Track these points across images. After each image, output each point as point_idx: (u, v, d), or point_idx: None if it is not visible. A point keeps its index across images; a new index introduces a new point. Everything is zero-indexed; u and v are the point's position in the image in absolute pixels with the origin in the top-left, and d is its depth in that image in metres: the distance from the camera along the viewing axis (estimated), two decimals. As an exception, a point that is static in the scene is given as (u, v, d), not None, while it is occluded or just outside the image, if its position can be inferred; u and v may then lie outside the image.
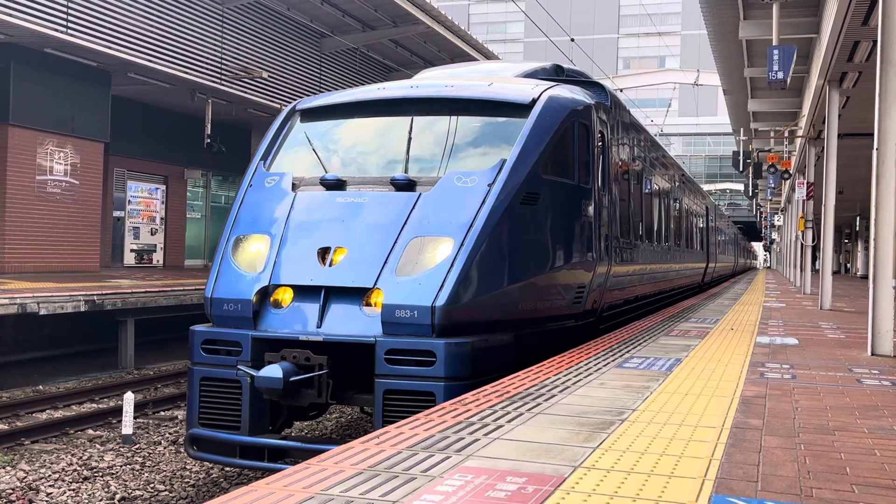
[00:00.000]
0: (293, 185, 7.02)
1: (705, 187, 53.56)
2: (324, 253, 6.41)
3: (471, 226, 6.31)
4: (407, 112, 7.50)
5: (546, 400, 4.66)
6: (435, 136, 7.41)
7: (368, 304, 6.19)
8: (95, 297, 12.22)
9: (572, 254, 7.70)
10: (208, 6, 18.80)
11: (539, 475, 3.08)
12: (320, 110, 7.99)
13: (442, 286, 6.01)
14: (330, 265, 6.32)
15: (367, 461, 3.24)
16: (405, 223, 6.40)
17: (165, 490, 7.38)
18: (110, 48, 16.26)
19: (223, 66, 19.34)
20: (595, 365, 6.17)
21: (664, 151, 16.11)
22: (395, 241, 6.31)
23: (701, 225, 23.77)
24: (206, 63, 18.84)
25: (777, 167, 23.04)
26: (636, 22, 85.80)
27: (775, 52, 12.10)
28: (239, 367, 6.14)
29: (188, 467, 8.08)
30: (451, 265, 6.12)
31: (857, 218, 47.21)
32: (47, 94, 16.89)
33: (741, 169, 26.13)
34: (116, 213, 22.41)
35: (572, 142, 7.83)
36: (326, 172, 7.11)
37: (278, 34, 21.23)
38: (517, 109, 7.36)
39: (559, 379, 5.44)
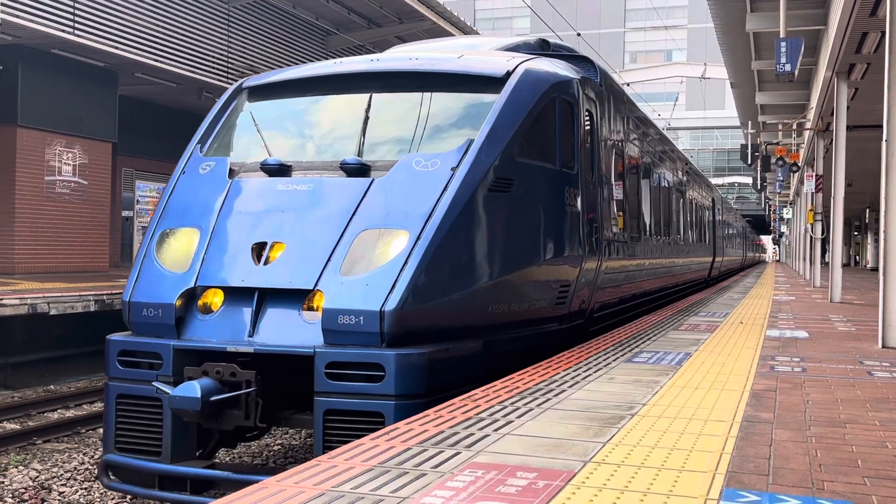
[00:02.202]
0: (231, 171, 6.20)
1: (713, 181, 53.33)
2: (259, 249, 5.60)
3: (430, 216, 5.50)
4: (366, 88, 6.67)
5: (556, 395, 4.66)
6: (396, 115, 6.63)
7: (311, 309, 5.38)
8: (105, 297, 12.27)
9: (553, 248, 6.91)
10: (214, 5, 18.82)
11: (549, 470, 3.08)
12: (270, 88, 7.12)
13: (393, 287, 5.21)
14: (265, 263, 5.50)
15: (377, 457, 3.24)
16: (354, 213, 5.61)
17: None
18: (117, 48, 16.31)
19: (230, 65, 19.37)
20: (604, 360, 6.16)
21: (665, 138, 15.18)
22: (342, 235, 5.51)
23: (707, 218, 22.87)
24: (213, 62, 18.87)
25: (785, 160, 22.96)
26: (642, 16, 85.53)
27: (783, 44, 12.04)
28: (154, 383, 5.31)
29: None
30: (406, 262, 5.30)
31: (867, 210, 46.98)
32: (55, 95, 16.94)
33: (749, 162, 26.06)
34: (125, 213, 22.49)
35: (553, 120, 6.98)
36: (270, 156, 6.28)
37: (284, 32, 21.24)
38: (489, 84, 6.52)
39: (568, 374, 5.44)
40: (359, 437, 4.28)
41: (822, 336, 8.40)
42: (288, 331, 5.36)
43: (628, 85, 34.38)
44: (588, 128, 7.88)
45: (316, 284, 5.33)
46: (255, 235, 5.66)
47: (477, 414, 4.11)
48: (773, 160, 25.40)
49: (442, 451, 3.35)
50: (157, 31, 17.23)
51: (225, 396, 5.07)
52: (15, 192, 16.25)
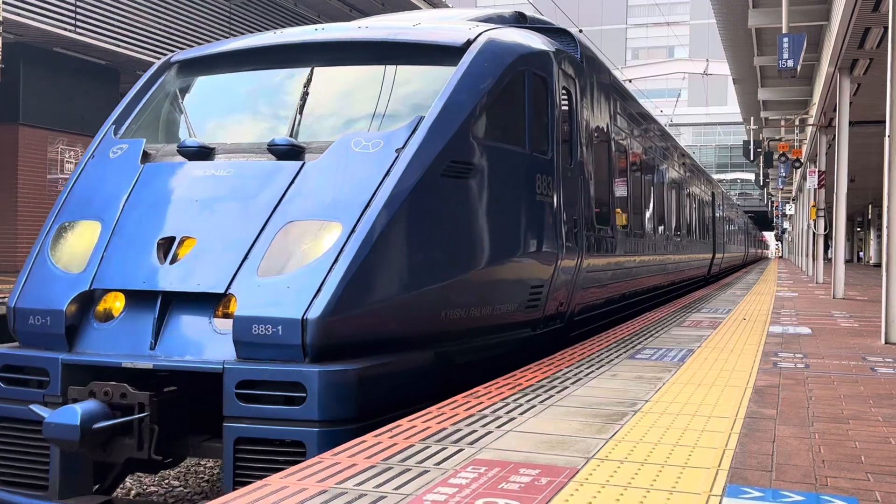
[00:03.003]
0: (145, 154, 5.37)
1: (716, 177, 53.30)
2: (167, 245, 4.78)
3: (368, 205, 4.70)
4: (308, 61, 5.92)
5: (558, 392, 4.66)
6: (340, 90, 5.90)
7: (226, 315, 4.58)
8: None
9: (522, 243, 6.14)
10: (216, 2, 18.84)
11: (552, 467, 3.08)
12: (201, 62, 6.31)
13: (319, 290, 4.39)
14: (172, 262, 4.68)
15: (380, 454, 3.25)
16: (279, 202, 4.80)
17: (180, 486, 7.42)
18: (119, 46, 16.34)
19: (231, 63, 19.37)
20: (607, 356, 6.16)
21: (660, 126, 14.17)
22: (263, 228, 4.69)
23: (706, 212, 22.15)
24: (215, 60, 18.87)
25: (788, 156, 22.95)
26: (644, 12, 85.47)
27: (785, 39, 12.03)
28: (31, 406, 4.45)
29: (202, 462, 8.12)
30: (336, 260, 4.49)
31: (870, 206, 46.95)
32: (57, 93, 16.96)
33: (752, 158, 26.07)
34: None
35: (522, 97, 6.18)
36: (191, 137, 5.50)
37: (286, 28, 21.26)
38: (446, 54, 5.73)
39: (571, 371, 5.44)
40: (276, 470, 3.67)
41: (825, 332, 8.39)
42: (195, 343, 4.54)
43: (630, 81, 34.36)
44: (566, 108, 7.08)
45: (228, 287, 4.52)
46: (163, 229, 4.84)
47: (479, 411, 4.11)
48: (775, 156, 25.41)
49: (445, 448, 3.35)
50: (159, 29, 17.25)
51: (111, 423, 4.18)
52: (17, 190, 16.28)
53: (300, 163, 5.03)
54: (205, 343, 4.54)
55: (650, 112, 13.14)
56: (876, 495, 2.81)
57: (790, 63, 11.99)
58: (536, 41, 6.67)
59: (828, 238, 24.05)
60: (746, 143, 26.18)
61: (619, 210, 9.62)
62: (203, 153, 5.27)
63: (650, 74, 53.32)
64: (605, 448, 3.38)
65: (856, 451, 3.44)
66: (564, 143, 6.99)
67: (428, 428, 3.72)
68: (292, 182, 4.91)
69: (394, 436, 3.57)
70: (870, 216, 48.69)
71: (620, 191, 9.83)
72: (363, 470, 3.03)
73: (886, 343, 7.43)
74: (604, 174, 8.75)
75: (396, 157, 4.95)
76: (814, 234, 20.68)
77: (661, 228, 13.52)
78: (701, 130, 78.64)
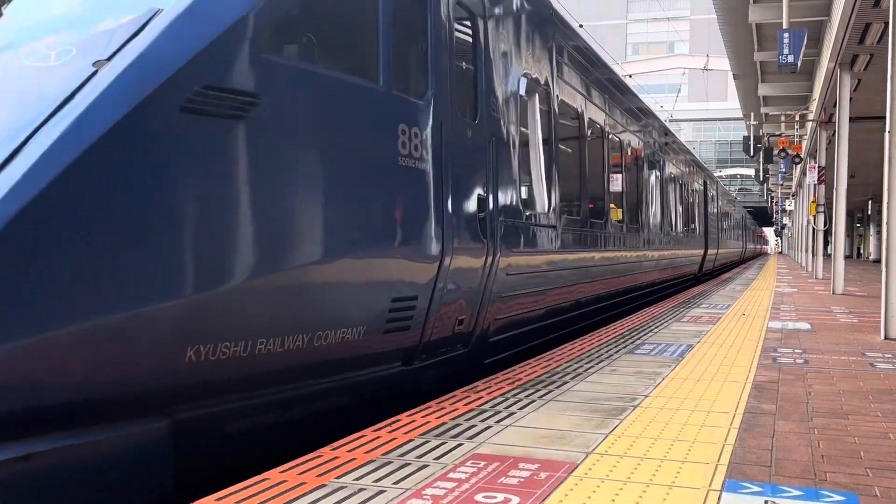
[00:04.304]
0: None
1: (716, 173, 53.22)
2: None
3: (15, 154, 2.85)
4: None
5: (558, 387, 4.66)
6: None
7: None
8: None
9: (363, 232, 4.12)
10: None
11: (552, 461, 3.08)
12: None
13: None
14: None
15: (379, 449, 3.25)
16: None
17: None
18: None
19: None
20: (606, 352, 6.16)
21: (632, 93, 12.15)
22: None
23: (697, 203, 20.26)
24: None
25: (788, 152, 22.93)
26: (645, 7, 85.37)
27: (785, 35, 12.03)
28: None
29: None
30: None
31: (870, 202, 46.93)
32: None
33: (752, 154, 26.07)
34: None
35: (372, 3, 4.32)
36: None
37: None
38: None
39: (570, 366, 5.44)
40: None
41: (824, 328, 8.39)
42: None
43: (630, 77, 34.33)
44: (465, 37, 5.39)
45: None
46: None
47: (479, 406, 4.11)
48: (775, 152, 25.40)
49: (444, 443, 3.35)
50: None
51: None
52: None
53: None
54: None
55: (619, 76, 11.07)
56: (875, 491, 2.81)
57: (790, 58, 11.98)
58: None
59: (827, 234, 24.04)
60: (746, 138, 26.16)
61: (566, 192, 7.79)
62: None
63: (650, 70, 53.29)
64: (604, 443, 3.38)
65: (855, 446, 3.44)
66: (460, 87, 5.21)
67: (427, 423, 3.72)
68: None
69: (393, 430, 3.57)
70: (869, 212, 48.67)
71: (568, 167, 8.00)
72: (362, 464, 3.03)
73: (886, 339, 7.43)
74: (541, 142, 7.02)
75: (91, 76, 3.09)
76: (813, 229, 20.69)
77: (632, 218, 11.49)
78: (701, 126, 78.59)
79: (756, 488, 2.79)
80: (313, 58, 4.07)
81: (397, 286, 4.47)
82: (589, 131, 9.02)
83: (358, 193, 4.09)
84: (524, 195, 6.48)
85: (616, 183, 10.56)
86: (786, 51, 12.02)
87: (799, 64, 12.16)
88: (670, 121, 39.40)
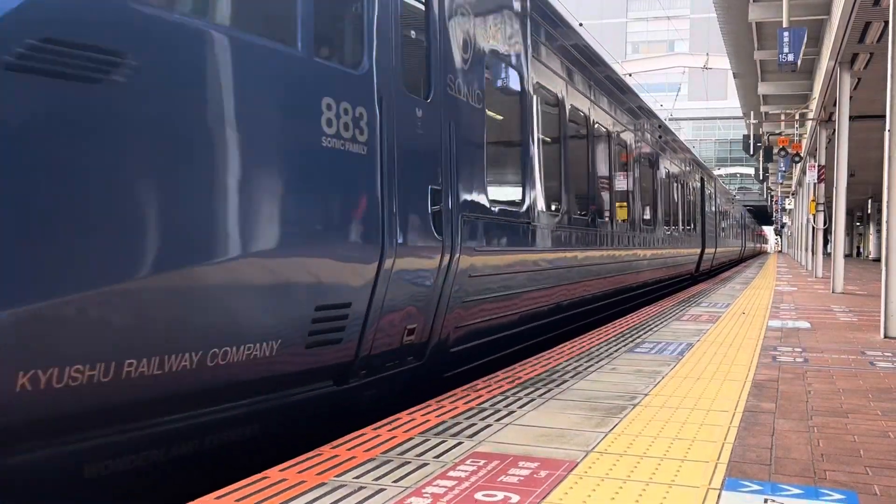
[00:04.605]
0: None
1: (716, 172, 53.14)
2: None
3: None
4: None
5: (557, 385, 4.66)
6: None
7: None
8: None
9: (283, 225, 3.51)
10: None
11: (551, 460, 3.08)
12: None
13: None
14: None
15: (379, 447, 3.25)
16: None
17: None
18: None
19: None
20: (606, 350, 6.16)
21: (621, 81, 11.32)
22: None
23: (693, 200, 19.63)
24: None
25: (788, 150, 22.93)
26: (645, 6, 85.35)
27: (785, 34, 12.02)
28: None
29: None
30: None
31: (870, 201, 46.95)
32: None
33: (752, 152, 26.06)
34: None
35: None
36: None
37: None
38: None
39: (570, 364, 5.44)
40: None
41: (824, 326, 8.39)
42: None
43: (630, 75, 34.32)
44: (422, 4, 4.88)
45: None
46: None
47: (479, 404, 4.11)
48: (775, 150, 25.41)
49: (444, 441, 3.35)
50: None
51: None
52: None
53: None
54: None
55: (605, 60, 10.24)
56: (875, 489, 2.81)
57: (790, 57, 11.98)
58: None
59: (827, 233, 24.06)
60: (746, 137, 26.15)
61: (544, 185, 7.11)
62: None
63: (650, 69, 53.26)
64: (604, 441, 3.38)
65: (854, 444, 3.44)
66: (410, 59, 4.66)
67: (427, 421, 3.72)
68: None
69: (393, 429, 3.57)
70: (869, 211, 48.69)
71: (547, 157, 7.31)
72: (362, 463, 3.03)
73: (885, 337, 7.43)
74: (515, 129, 6.47)
75: None
76: (813, 228, 20.69)
77: (621, 215, 10.73)
78: (701, 125, 78.58)
79: (756, 487, 2.79)
80: (206, 13, 3.39)
81: (322, 291, 3.78)
82: (570, 119, 8.32)
83: (262, 178, 3.38)
84: (493, 188, 5.79)
85: (602, 176, 9.82)
86: (786, 49, 12.02)
87: (799, 62, 12.16)
88: (670, 119, 39.37)
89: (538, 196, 6.93)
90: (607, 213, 10.07)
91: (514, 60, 6.46)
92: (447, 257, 4.93)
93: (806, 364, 5.71)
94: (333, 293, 3.87)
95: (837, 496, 2.71)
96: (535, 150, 6.86)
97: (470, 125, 5.37)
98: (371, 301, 4.16)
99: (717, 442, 3.41)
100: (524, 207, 6.53)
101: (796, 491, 2.76)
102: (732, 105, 51.54)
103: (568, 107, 8.15)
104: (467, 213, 5.26)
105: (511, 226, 6.18)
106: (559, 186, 7.77)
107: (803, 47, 12.13)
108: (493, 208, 5.75)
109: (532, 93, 6.87)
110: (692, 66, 48.90)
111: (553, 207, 7.50)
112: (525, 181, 6.61)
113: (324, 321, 3.82)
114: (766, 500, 2.65)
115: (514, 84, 6.53)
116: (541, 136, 7.11)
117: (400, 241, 4.35)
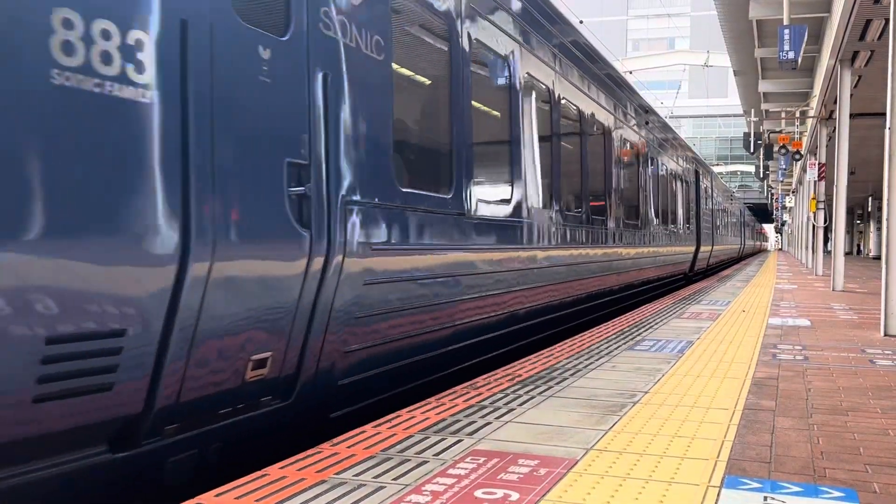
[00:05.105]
0: None
1: (716, 169, 53.07)
2: None
3: None
4: None
5: (557, 383, 4.66)
6: None
7: None
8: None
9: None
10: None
11: (551, 458, 3.08)
12: None
13: None
14: None
15: (379, 445, 3.25)
16: None
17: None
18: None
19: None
20: (606, 348, 6.17)
21: (599, 56, 9.85)
22: None
23: (688, 194, 18.70)
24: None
25: (788, 148, 22.91)
26: (645, 3, 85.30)
27: (786, 31, 12.01)
28: None
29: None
30: None
31: (870, 198, 46.95)
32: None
33: (752, 150, 26.04)
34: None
35: None
36: None
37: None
38: None
39: (570, 362, 5.44)
40: None
41: (824, 324, 8.39)
42: None
43: (631, 73, 34.28)
44: None
45: None
46: None
47: (479, 402, 4.11)
48: (775, 148, 25.39)
49: (444, 439, 3.35)
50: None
51: None
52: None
53: None
54: None
55: (574, 26, 8.81)
56: (874, 487, 2.81)
57: (791, 55, 11.97)
58: None
59: (827, 230, 24.05)
60: (747, 135, 26.15)
61: (489, 168, 6.07)
62: None
63: (650, 66, 53.25)
64: (603, 439, 3.38)
65: (854, 442, 3.44)
66: None
67: (427, 419, 3.73)
68: None
69: (393, 426, 3.57)
70: (870, 209, 48.68)
71: (492, 134, 6.20)
72: (362, 460, 3.03)
73: (885, 335, 7.44)
74: (439, 92, 5.27)
75: None
76: (813, 226, 20.68)
77: (597, 209, 9.57)
78: (701, 122, 78.57)
79: (755, 484, 2.79)
80: None
81: (57, 316, 2.52)
82: (525, 86, 6.83)
83: None
84: (400, 165, 4.60)
85: (571, 161, 8.34)
86: (786, 47, 12.01)
87: (799, 60, 12.15)
88: (671, 117, 39.33)
89: (477, 181, 5.70)
90: (579, 205, 8.74)
91: (439, 4, 5.15)
92: (320, 259, 3.75)
93: (806, 362, 5.72)
94: (83, 317, 2.61)
95: (837, 494, 2.72)
96: (472, 122, 5.55)
97: (362, 80, 4.13)
98: (170, 323, 2.94)
99: (716, 440, 3.41)
100: (455, 193, 5.31)
101: (796, 489, 2.76)
102: (733, 103, 51.55)
103: (522, 74, 6.71)
104: (356, 198, 4.05)
105: (434, 218, 4.95)
106: (511, 171, 6.48)
107: (804, 45, 12.12)
108: (401, 193, 4.53)
109: (468, 49, 5.54)
110: (693, 64, 48.91)
111: (501, 197, 6.27)
112: (456, 159, 5.34)
113: (70, 359, 2.61)
114: (765, 498, 2.65)
115: (441, 35, 5.19)
116: (483, 107, 5.81)
117: (224, 234, 3.13)
